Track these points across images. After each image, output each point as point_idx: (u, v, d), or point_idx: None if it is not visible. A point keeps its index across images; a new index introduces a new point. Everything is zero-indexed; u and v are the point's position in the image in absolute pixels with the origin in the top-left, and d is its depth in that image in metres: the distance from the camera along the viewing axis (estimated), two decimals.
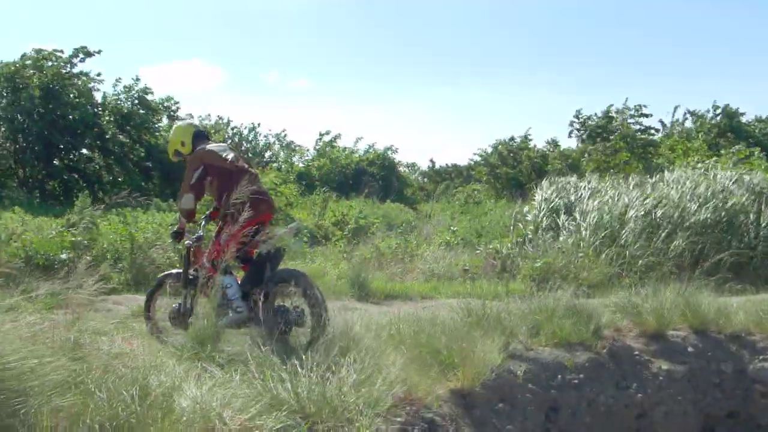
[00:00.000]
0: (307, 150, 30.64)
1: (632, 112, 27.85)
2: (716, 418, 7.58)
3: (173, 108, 25.11)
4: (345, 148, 28.92)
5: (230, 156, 7.02)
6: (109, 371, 4.62)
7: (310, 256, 13.33)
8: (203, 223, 7.35)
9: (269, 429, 4.30)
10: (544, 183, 16.11)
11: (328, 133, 31.08)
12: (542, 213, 14.53)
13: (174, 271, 7.62)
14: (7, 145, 21.70)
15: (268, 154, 29.17)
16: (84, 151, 21.79)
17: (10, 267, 10.48)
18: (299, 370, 4.96)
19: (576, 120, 30.11)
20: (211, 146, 7.10)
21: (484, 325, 6.81)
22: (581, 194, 14.85)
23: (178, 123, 7.77)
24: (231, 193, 6.65)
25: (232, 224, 6.58)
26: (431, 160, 38.50)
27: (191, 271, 7.01)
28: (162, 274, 7.66)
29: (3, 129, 21.40)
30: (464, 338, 6.32)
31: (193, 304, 6.88)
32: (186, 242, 7.10)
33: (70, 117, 20.73)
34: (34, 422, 3.94)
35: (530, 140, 29.58)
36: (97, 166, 21.94)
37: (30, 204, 18.30)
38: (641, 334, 7.85)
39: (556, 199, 14.89)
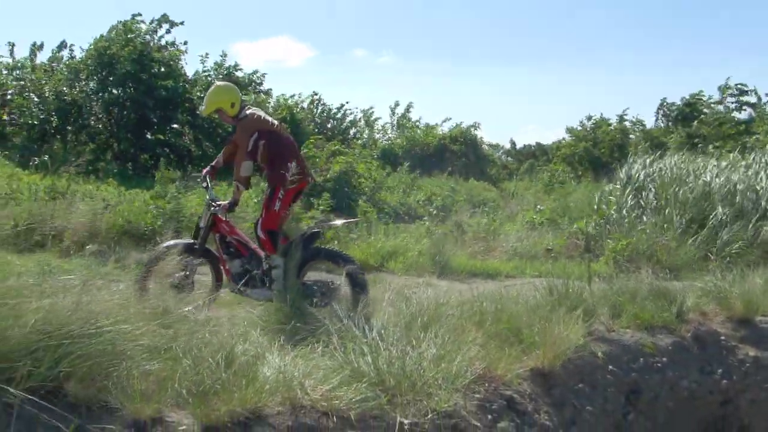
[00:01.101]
0: (385, 125, 30.70)
1: (733, 92, 26.87)
2: None
3: (259, 82, 25.46)
4: (427, 124, 28.91)
5: (275, 120, 7.29)
6: (196, 338, 4.78)
7: (394, 232, 13.40)
8: (208, 184, 7.33)
9: (349, 400, 4.39)
10: (630, 162, 15.79)
11: (397, 104, 31.13)
12: (627, 193, 14.26)
13: (180, 242, 7.38)
14: (103, 119, 22.33)
15: (353, 131, 29.31)
16: (174, 125, 22.27)
17: (106, 237, 10.92)
18: (380, 343, 5.03)
19: (662, 108, 29.44)
20: (256, 111, 7.24)
21: (566, 304, 6.75)
22: (667, 174, 14.50)
23: (222, 84, 7.58)
24: (279, 157, 6.99)
25: (283, 189, 6.90)
26: (512, 140, 38.13)
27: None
28: (163, 245, 7.27)
29: (98, 103, 22.00)
30: (546, 317, 6.30)
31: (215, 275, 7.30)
32: (213, 209, 7.06)
33: (162, 92, 21.19)
34: (125, 385, 4.12)
35: (625, 120, 28.99)
36: (187, 141, 22.42)
37: (123, 176, 18.88)
38: (728, 319, 7.68)
39: (642, 179, 14.59)
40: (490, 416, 4.94)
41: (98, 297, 4.66)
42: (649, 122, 29.53)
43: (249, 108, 7.24)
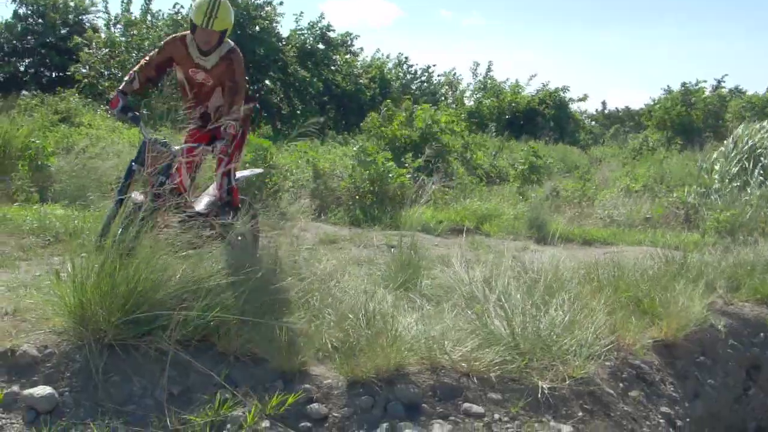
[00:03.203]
0: (468, 85, 30.35)
1: None
2: None
3: (350, 43, 25.43)
4: (514, 84, 28.45)
5: None
6: (330, 294, 4.83)
7: (486, 195, 13.32)
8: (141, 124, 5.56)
9: (489, 362, 4.39)
10: (736, 131, 15.31)
11: (478, 65, 30.71)
12: (731, 162, 13.86)
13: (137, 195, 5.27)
14: None
15: (438, 93, 29.07)
16: (267, 82, 22.42)
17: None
18: (506, 306, 5.01)
19: None
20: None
21: (685, 276, 6.63)
22: None
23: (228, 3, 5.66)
24: (249, 99, 6.33)
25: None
26: (604, 102, 37.36)
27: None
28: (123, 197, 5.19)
29: None
30: (666, 288, 6.20)
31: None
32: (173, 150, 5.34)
33: (257, 51, 21.29)
34: (271, 337, 4.20)
35: (723, 88, 28.13)
36: (278, 98, 22.57)
37: None
38: None
39: (747, 149, 14.15)
40: (621, 385, 4.91)
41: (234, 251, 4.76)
42: (761, 90, 28.42)
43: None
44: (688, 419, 5.28)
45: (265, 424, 3.71)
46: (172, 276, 4.22)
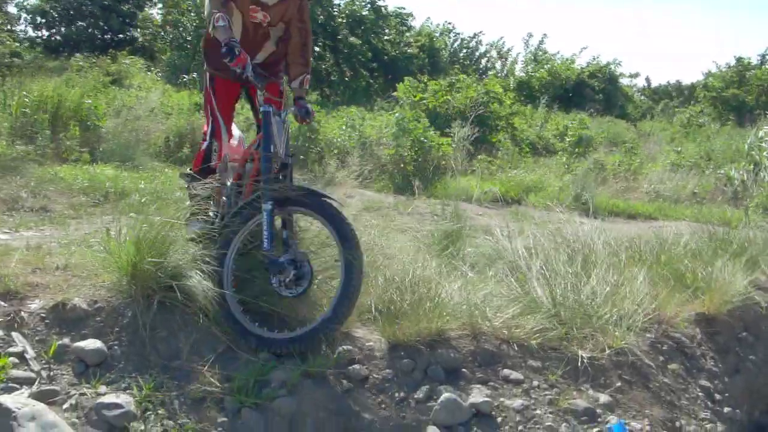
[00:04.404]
0: (517, 55, 30.09)
1: None
2: None
3: (405, 19, 25.42)
4: (565, 57, 28.17)
5: None
6: (373, 259, 4.92)
7: (531, 167, 13.29)
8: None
9: (529, 329, 4.46)
10: None
11: (531, 36, 30.35)
12: None
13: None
14: None
15: (484, 61, 28.93)
16: (316, 49, 22.49)
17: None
18: (547, 275, 5.06)
19: None
20: None
21: (728, 251, 6.60)
22: None
23: None
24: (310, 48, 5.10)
25: None
26: (648, 78, 36.81)
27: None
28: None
29: None
30: (708, 262, 6.19)
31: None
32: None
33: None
34: (315, 298, 4.31)
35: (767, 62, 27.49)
36: (328, 65, 22.62)
37: None
38: None
39: None
40: (661, 357, 4.94)
41: None
42: None
43: None
44: (727, 394, 5.28)
45: (308, 383, 3.81)
46: None
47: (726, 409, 5.13)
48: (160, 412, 3.45)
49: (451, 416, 3.83)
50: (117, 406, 3.39)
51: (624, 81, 28.71)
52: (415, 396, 3.91)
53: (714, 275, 5.94)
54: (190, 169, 5.05)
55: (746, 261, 6.44)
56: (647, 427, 4.13)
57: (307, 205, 4.18)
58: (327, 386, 3.83)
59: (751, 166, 12.93)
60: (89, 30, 23.63)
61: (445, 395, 3.89)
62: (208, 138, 4.87)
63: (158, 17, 22.26)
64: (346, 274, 4.00)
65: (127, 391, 3.53)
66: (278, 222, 4.33)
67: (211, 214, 4.69)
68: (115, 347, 3.80)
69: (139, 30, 21.74)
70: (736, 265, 6.19)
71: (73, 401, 3.42)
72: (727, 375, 5.49)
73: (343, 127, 12.95)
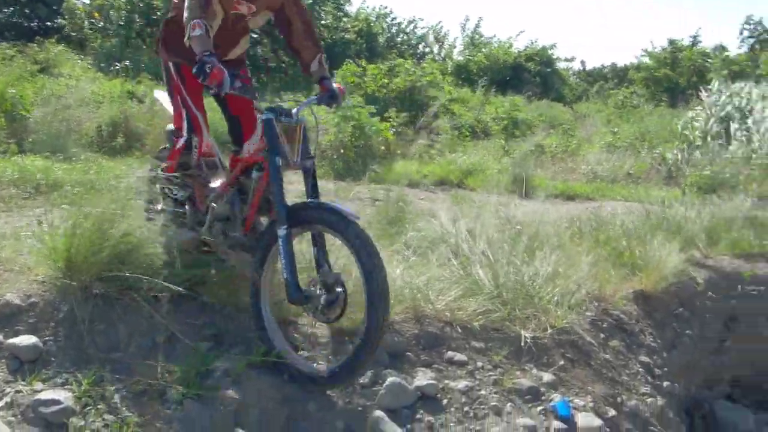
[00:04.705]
0: (455, 39, 30.10)
1: None
2: None
3: (342, 4, 25.29)
4: (502, 41, 28.33)
5: None
6: None
7: (471, 150, 13.34)
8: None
9: (472, 311, 4.48)
10: (715, 88, 15.34)
11: (468, 20, 30.53)
12: (712, 120, 13.90)
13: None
14: None
15: (422, 45, 28.94)
16: (253, 35, 22.12)
17: None
18: (490, 256, 5.09)
19: (747, 26, 28.45)
20: None
21: (664, 229, 6.75)
22: (756, 102, 14.07)
23: None
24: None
25: None
26: (583, 61, 37.32)
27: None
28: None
29: None
30: (645, 241, 6.32)
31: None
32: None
33: None
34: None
35: (699, 43, 28.09)
36: (265, 51, 22.33)
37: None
38: None
39: (728, 106, 14.18)
40: (602, 335, 5.02)
41: None
42: (732, 45, 28.50)
43: None
44: (665, 369, 5.41)
45: (252, 372, 3.77)
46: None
47: (665, 384, 5.26)
48: (100, 406, 3.37)
49: (397, 400, 3.82)
50: (55, 402, 3.30)
51: (561, 65, 29.09)
52: (361, 381, 3.89)
53: (651, 253, 6.07)
54: (162, 170, 4.62)
55: (682, 239, 6.60)
56: (590, 404, 4.19)
57: (328, 223, 3.66)
58: (272, 375, 3.79)
59: (685, 146, 13.21)
60: (14, 18, 22.97)
61: (390, 379, 3.89)
62: (185, 133, 4.39)
63: (82, 5, 21.67)
64: (369, 315, 3.54)
65: (66, 387, 3.44)
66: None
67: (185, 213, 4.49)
68: (51, 342, 3.71)
69: (66, 18, 21.11)
70: (673, 243, 6.33)
71: (8, 399, 3.33)
72: (665, 350, 5.63)
73: None
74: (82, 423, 3.26)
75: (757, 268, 6.97)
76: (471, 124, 15.53)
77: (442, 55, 29.33)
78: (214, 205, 4.30)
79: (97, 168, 8.40)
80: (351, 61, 17.06)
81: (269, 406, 3.64)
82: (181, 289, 3.90)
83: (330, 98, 4.31)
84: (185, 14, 3.79)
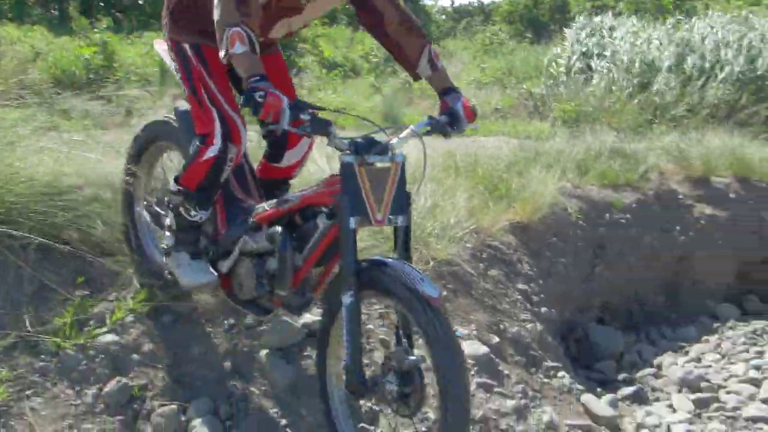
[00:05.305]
0: None
1: None
2: (752, 263, 7.75)
3: None
4: None
5: None
6: None
7: (340, 88, 13.22)
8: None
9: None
10: (577, 23, 15.73)
11: None
12: (575, 55, 14.28)
13: None
14: None
15: None
16: None
17: (41, 86, 10.42)
18: None
19: None
20: None
21: (539, 161, 6.89)
22: (614, 36, 14.51)
23: None
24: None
25: None
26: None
27: None
28: None
29: None
30: (520, 174, 6.43)
31: None
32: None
33: None
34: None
35: None
36: None
37: (51, 24, 17.83)
38: (686, 178, 7.94)
39: (589, 42, 14.59)
40: (482, 265, 5.08)
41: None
42: None
43: None
44: (542, 295, 5.55)
45: (129, 319, 3.60)
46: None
47: (543, 310, 5.40)
48: None
49: (284, 338, 3.74)
50: None
51: (426, 1, 29.15)
52: (246, 322, 3.79)
53: (525, 185, 6.19)
54: (178, 183, 3.30)
55: (557, 171, 6.74)
56: (474, 332, 4.24)
57: (401, 299, 2.65)
58: (152, 320, 3.63)
59: (550, 81, 13.53)
60: None
61: (274, 319, 3.80)
62: (218, 140, 3.10)
63: None
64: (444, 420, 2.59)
65: None
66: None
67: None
68: None
69: None
70: (547, 175, 6.47)
71: None
72: (541, 278, 5.76)
73: (143, 55, 12.22)
74: None
75: (624, 197, 7.23)
76: (339, 62, 15.37)
77: None
78: (247, 238, 3.22)
79: None
80: None
81: (151, 350, 3.49)
82: (49, 241, 3.65)
83: (450, 123, 3.15)
84: (215, 11, 2.76)
